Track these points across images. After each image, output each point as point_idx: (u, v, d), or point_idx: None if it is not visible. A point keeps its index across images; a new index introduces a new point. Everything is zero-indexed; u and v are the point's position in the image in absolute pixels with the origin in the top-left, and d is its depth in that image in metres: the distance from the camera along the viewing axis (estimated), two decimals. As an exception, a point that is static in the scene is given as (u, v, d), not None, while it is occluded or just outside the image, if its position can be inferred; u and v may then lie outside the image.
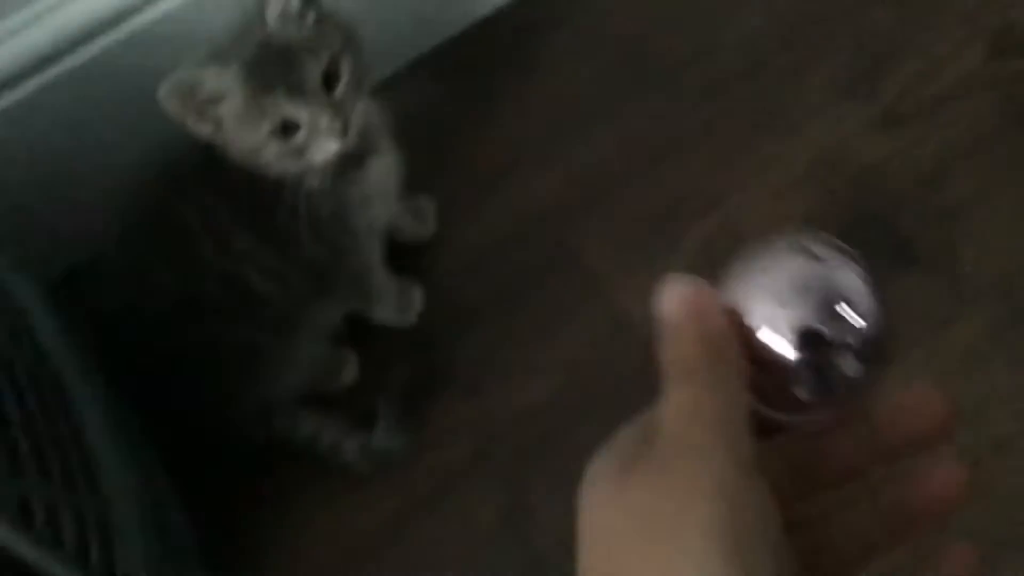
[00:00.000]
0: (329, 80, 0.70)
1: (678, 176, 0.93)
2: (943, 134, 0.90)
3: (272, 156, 0.70)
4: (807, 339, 0.32)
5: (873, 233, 0.87)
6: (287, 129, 0.69)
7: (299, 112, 0.69)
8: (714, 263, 0.92)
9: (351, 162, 0.74)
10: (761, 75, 0.96)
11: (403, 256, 0.91)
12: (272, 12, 0.68)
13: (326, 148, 0.71)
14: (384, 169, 0.79)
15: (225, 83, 0.68)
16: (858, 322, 0.32)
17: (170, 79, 0.67)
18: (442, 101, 1.00)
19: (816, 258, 0.33)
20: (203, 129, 0.69)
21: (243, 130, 0.69)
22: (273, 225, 0.74)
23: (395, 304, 0.88)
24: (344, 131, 0.70)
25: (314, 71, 0.69)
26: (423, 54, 1.02)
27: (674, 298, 0.34)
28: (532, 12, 1.04)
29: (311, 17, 0.70)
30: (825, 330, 0.32)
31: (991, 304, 0.83)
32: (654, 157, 0.94)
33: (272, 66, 0.68)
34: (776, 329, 0.33)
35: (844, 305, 0.32)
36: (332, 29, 0.71)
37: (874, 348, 0.32)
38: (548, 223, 0.93)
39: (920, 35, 0.94)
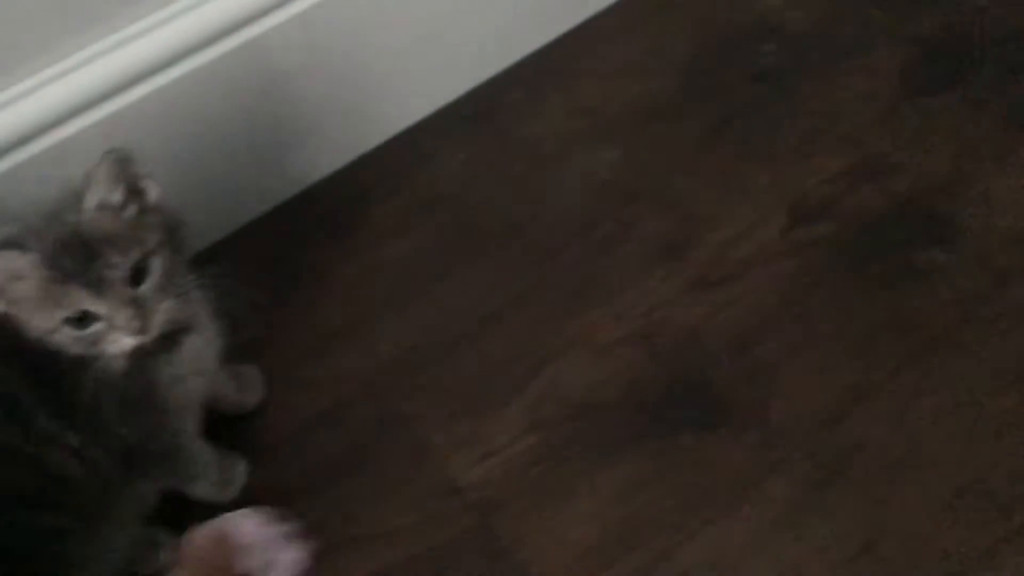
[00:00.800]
0: (137, 275, 0.69)
1: (504, 341, 0.95)
2: (751, 297, 0.95)
3: (66, 341, 0.68)
4: None
5: (689, 392, 0.90)
6: (84, 318, 0.68)
7: (96, 306, 0.67)
8: (544, 424, 0.94)
9: (164, 340, 0.73)
10: (581, 243, 1.00)
11: (226, 427, 0.89)
12: (90, 201, 0.68)
13: (121, 344, 0.69)
14: (200, 347, 0.77)
15: (23, 267, 0.66)
16: None
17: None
18: (271, 268, 1.00)
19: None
20: None
21: (38, 314, 0.67)
22: (76, 404, 0.71)
23: (215, 480, 0.85)
24: (143, 329, 0.69)
25: (120, 265, 0.67)
26: (251, 220, 1.03)
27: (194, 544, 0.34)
28: (361, 180, 1.06)
29: (132, 209, 0.70)
30: None
31: (803, 458, 0.86)
32: (480, 322, 0.96)
33: (74, 256, 0.67)
34: None
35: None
36: (153, 224, 0.70)
37: None
38: (378, 390, 0.93)
39: (727, 205, 1.00)
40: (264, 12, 0.95)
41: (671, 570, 0.82)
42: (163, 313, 0.70)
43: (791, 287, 0.95)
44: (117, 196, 0.68)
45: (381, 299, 0.98)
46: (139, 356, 0.71)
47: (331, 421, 0.92)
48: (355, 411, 0.92)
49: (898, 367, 0.90)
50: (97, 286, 0.67)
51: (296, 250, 1.01)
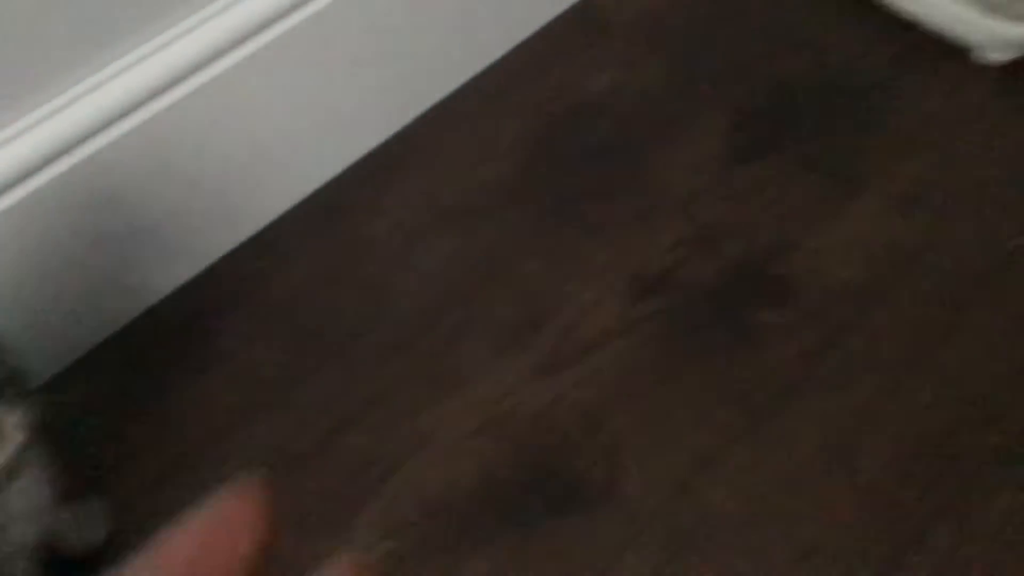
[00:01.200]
0: None
1: (356, 445, 0.94)
2: (598, 376, 0.96)
3: None
4: None
5: (544, 478, 0.90)
6: None
7: None
8: (400, 528, 0.93)
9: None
10: (430, 336, 1.00)
11: (74, 566, 0.86)
12: None
13: None
14: (29, 492, 0.74)
15: None
16: None
17: None
18: (115, 396, 0.98)
19: None
20: None
21: None
22: None
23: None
24: None
25: None
26: (87, 352, 1.00)
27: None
28: (206, 292, 1.05)
29: None
30: None
31: (657, 532, 0.87)
32: (331, 430, 0.95)
33: None
34: None
35: None
36: None
37: None
38: (230, 509, 0.91)
39: (568, 286, 1.02)
40: (95, 132, 0.95)
41: (534, 664, 0.82)
42: (13, 428, 0.68)
43: (634, 362, 0.97)
44: None
45: (231, 416, 0.97)
46: None
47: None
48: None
49: (743, 431, 0.92)
50: None
51: (137, 378, 0.99)
